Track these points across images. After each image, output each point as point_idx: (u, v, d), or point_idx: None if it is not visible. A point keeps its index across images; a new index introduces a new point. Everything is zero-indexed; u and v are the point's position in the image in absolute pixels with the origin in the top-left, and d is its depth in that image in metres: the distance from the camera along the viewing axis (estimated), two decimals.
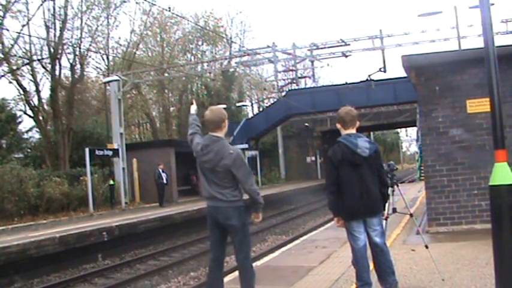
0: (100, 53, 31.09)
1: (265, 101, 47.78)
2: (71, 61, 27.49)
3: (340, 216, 4.90)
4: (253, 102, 49.26)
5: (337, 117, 5.00)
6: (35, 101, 27.06)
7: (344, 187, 4.79)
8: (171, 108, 40.31)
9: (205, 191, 4.59)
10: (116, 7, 29.50)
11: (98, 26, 28.89)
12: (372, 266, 4.96)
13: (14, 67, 25.19)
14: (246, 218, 4.57)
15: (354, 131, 4.91)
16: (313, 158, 43.80)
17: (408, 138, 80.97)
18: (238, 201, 4.51)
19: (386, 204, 5.13)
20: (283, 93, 37.20)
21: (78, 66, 27.98)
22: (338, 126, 4.99)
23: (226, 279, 6.93)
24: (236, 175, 4.45)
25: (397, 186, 6.41)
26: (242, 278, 4.58)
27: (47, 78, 26.87)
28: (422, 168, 18.16)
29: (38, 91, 26.65)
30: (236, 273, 7.32)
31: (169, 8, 33.93)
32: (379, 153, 4.94)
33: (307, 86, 43.90)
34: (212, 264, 4.66)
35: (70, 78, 28.30)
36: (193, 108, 4.97)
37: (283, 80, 38.50)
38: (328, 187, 4.88)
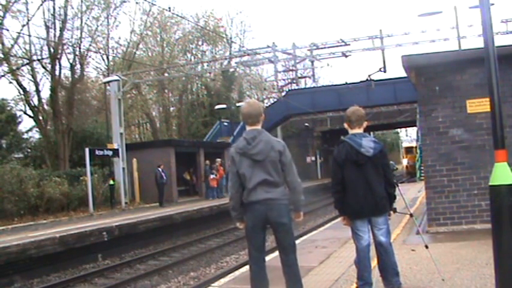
0: (100, 53, 31.11)
1: (265, 101, 47.77)
2: (71, 61, 27.50)
3: (346, 215, 4.94)
4: None
5: (344, 117, 5.05)
6: (35, 101, 27.07)
7: (348, 186, 4.82)
8: (171, 108, 40.32)
9: (252, 193, 4.38)
10: (116, 7, 29.54)
11: (98, 26, 28.92)
12: (374, 265, 4.97)
13: (14, 67, 25.17)
14: (291, 217, 4.54)
15: (360, 130, 4.94)
16: (313, 158, 43.80)
17: (408, 138, 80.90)
18: (286, 199, 4.46)
19: (395, 205, 5.14)
20: (283, 93, 37.21)
21: (78, 66, 27.96)
22: (345, 125, 5.04)
23: (225, 279, 6.94)
24: (285, 163, 4.41)
25: (397, 186, 6.41)
26: (294, 279, 4.47)
27: (47, 78, 26.89)
28: (422, 168, 18.16)
29: (38, 91, 26.65)
30: (236, 273, 7.35)
31: (169, 8, 33.99)
32: (385, 153, 4.96)
33: (307, 86, 43.91)
34: (258, 269, 4.51)
35: (70, 78, 28.28)
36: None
37: (283, 80, 38.46)
38: (334, 186, 4.91)
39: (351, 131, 4.97)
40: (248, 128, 4.55)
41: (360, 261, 4.87)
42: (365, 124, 4.99)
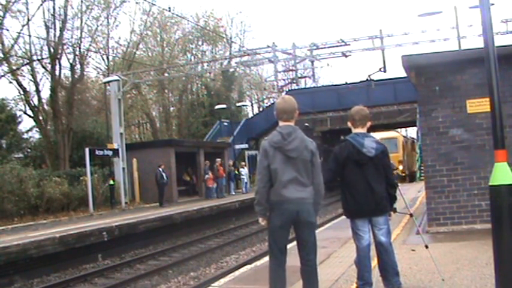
0: (100, 53, 31.14)
1: (265, 101, 47.81)
2: (71, 61, 27.52)
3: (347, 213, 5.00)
4: (253, 102, 49.29)
5: (348, 116, 5.05)
6: (35, 101, 27.11)
7: (349, 186, 4.82)
8: (171, 108, 40.33)
9: (283, 190, 4.27)
10: (116, 7, 29.58)
11: (98, 26, 28.95)
12: (374, 265, 4.98)
13: (14, 67, 25.19)
14: None
15: (363, 130, 4.95)
16: None
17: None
18: (313, 199, 4.40)
19: (395, 205, 5.14)
20: (283, 93, 37.18)
21: (78, 66, 27.98)
22: (349, 124, 5.05)
23: (225, 279, 6.94)
24: (315, 164, 4.38)
25: (397, 186, 6.41)
26: (312, 279, 4.46)
27: (47, 78, 26.90)
28: (422, 168, 18.17)
29: (38, 91, 26.68)
30: (236, 273, 7.34)
31: (169, 8, 34.00)
32: (387, 154, 4.96)
33: (307, 86, 43.91)
34: (282, 271, 4.42)
35: (70, 78, 28.31)
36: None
37: (283, 80, 38.48)
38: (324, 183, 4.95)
39: (354, 130, 4.97)
40: (282, 123, 4.43)
41: (360, 261, 4.88)
42: (369, 124, 5.00)
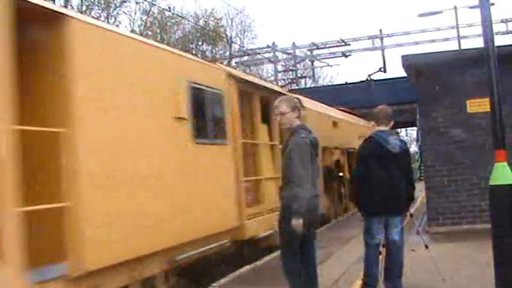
0: None
1: None
2: None
3: (364, 211, 4.99)
4: None
5: (371, 114, 5.09)
6: None
7: (370, 183, 4.77)
8: None
9: (313, 187, 4.28)
10: (116, 7, 29.59)
11: None
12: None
13: None
14: None
15: (386, 128, 4.95)
16: None
17: (408, 138, 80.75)
18: None
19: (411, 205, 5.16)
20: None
21: None
22: (372, 123, 5.11)
23: (226, 279, 6.93)
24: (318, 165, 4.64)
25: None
26: (313, 279, 4.50)
27: None
28: (422, 168, 18.16)
29: None
30: (236, 273, 7.32)
31: (169, 8, 33.94)
32: (409, 152, 4.99)
33: (307, 86, 43.91)
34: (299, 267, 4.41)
35: None
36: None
37: (283, 80, 38.49)
38: (353, 181, 4.95)
39: (377, 128, 4.97)
40: (299, 122, 4.38)
41: (368, 258, 4.88)
42: (391, 123, 5.01)
